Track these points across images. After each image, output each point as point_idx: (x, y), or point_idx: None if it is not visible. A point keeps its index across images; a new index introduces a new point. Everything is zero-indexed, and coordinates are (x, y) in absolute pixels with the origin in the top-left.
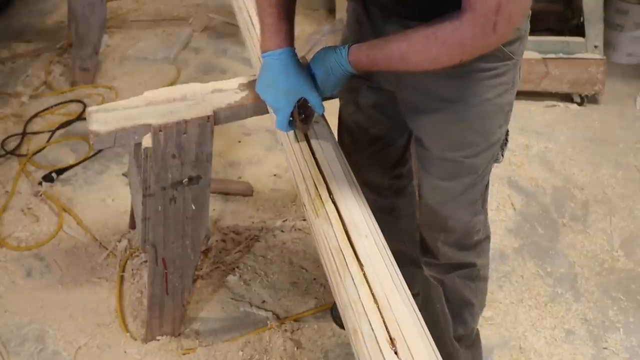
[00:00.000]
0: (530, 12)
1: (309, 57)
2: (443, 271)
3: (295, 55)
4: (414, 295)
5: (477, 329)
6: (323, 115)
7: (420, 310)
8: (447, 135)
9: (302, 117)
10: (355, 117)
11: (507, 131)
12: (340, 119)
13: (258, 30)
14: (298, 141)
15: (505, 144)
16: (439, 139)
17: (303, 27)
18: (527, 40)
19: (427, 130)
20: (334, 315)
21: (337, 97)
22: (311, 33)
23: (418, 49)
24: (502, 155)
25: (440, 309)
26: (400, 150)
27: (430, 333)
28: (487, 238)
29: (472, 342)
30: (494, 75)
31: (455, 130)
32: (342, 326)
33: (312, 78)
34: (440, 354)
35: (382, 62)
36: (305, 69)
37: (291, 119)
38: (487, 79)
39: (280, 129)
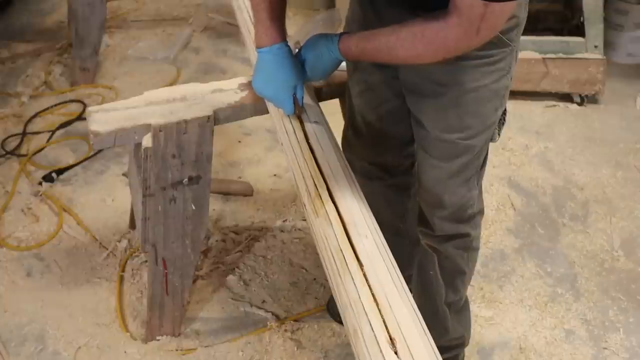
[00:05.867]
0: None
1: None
2: (438, 242)
3: (289, 48)
4: (408, 278)
5: (467, 296)
6: (323, 115)
7: (414, 278)
8: (445, 118)
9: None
10: (365, 96)
11: (505, 111)
12: (350, 100)
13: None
14: (297, 137)
15: (502, 124)
16: (437, 121)
17: None
18: (523, 26)
19: (425, 112)
20: (330, 309)
21: (325, 80)
22: (306, 21)
23: (405, 44)
24: (499, 135)
25: (433, 276)
26: (410, 128)
27: (423, 299)
28: (481, 212)
29: (460, 307)
30: (490, 62)
31: (452, 113)
32: (337, 318)
33: (303, 64)
34: (431, 319)
35: (371, 53)
36: (297, 58)
37: None
38: (483, 66)
39: (288, 114)
